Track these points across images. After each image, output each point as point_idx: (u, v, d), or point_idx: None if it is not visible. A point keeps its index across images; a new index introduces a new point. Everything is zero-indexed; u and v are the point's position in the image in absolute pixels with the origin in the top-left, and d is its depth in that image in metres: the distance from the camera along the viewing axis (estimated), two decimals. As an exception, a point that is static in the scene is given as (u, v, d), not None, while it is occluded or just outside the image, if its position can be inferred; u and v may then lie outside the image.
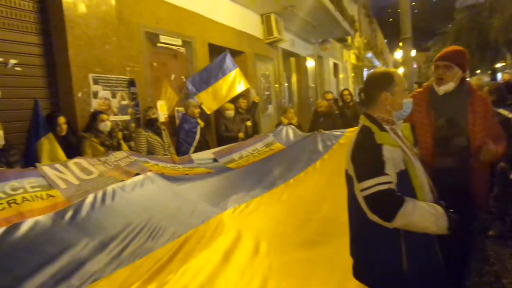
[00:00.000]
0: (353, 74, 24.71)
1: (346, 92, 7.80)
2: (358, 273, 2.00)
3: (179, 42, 6.79)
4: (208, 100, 6.35)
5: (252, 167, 4.75)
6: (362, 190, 1.79)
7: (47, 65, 4.57)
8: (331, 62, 18.02)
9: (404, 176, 1.84)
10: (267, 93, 10.53)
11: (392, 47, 43.03)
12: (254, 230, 3.11)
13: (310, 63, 14.73)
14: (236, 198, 3.82)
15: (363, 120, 1.99)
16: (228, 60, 6.73)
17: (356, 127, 5.06)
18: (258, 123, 8.67)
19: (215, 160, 4.98)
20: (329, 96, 7.99)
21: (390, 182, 1.76)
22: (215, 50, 7.84)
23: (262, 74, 10.21)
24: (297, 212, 3.61)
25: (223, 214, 3.36)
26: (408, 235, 1.81)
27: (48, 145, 3.78)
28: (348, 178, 1.93)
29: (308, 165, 4.72)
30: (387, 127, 1.92)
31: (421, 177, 1.91)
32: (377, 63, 29.66)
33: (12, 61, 4.16)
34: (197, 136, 5.57)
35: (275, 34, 10.06)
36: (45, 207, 2.90)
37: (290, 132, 5.84)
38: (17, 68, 4.21)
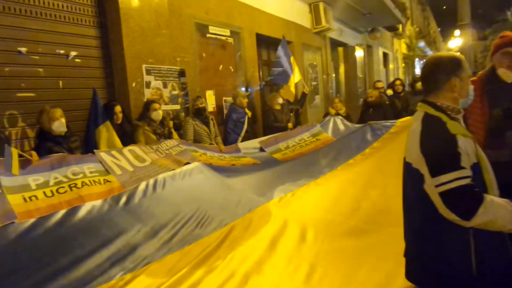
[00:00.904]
0: (403, 65, 23.78)
1: (398, 82, 7.56)
2: (414, 274, 1.86)
3: (227, 32, 6.84)
4: (292, 88, 6.42)
5: (299, 159, 4.76)
6: (438, 185, 1.64)
7: (104, 56, 4.78)
8: (380, 51, 17.44)
9: (476, 170, 1.69)
10: (314, 83, 10.39)
11: (446, 36, 40.75)
12: (301, 218, 3.12)
13: (359, 53, 14.34)
14: (282, 188, 3.85)
15: (424, 108, 1.81)
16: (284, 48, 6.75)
17: (407, 117, 4.92)
18: (304, 114, 8.61)
19: (261, 149, 5.02)
20: (379, 84, 7.78)
21: (469, 177, 1.62)
22: (262, 40, 7.84)
23: (309, 64, 10.08)
24: (344, 200, 3.58)
25: (269, 203, 3.41)
26: (479, 234, 1.66)
27: (105, 132, 3.97)
28: (411, 171, 1.77)
29: (357, 153, 4.66)
30: (454, 116, 1.76)
31: (491, 172, 1.76)
32: (429, 52, 28.31)
33: (73, 53, 4.39)
34: (245, 126, 5.62)
35: (323, 23, 9.87)
36: (102, 192, 3.06)
37: (338, 123, 5.75)
38: (76, 60, 4.45)
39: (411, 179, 1.80)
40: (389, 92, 7.92)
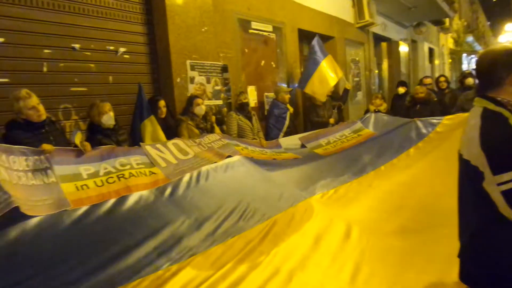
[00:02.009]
0: (450, 60, 22.77)
1: (442, 79, 7.31)
2: (469, 277, 1.78)
3: (269, 28, 6.84)
4: (315, 88, 6.36)
5: (340, 154, 4.71)
6: (500, 183, 1.55)
7: (151, 52, 4.92)
8: (426, 47, 16.80)
9: None
10: (356, 79, 10.19)
11: (496, 30, 38.52)
12: (344, 216, 3.07)
13: (403, 48, 13.89)
14: (324, 183, 3.81)
15: (483, 103, 1.73)
16: (318, 47, 6.62)
17: (455, 115, 4.73)
18: (346, 110, 8.47)
19: (302, 145, 5.01)
20: (428, 80, 7.54)
21: None
22: (304, 36, 7.77)
23: (351, 59, 9.89)
24: (390, 198, 3.50)
25: (311, 198, 3.38)
26: None
27: (150, 126, 4.09)
28: (469, 169, 1.69)
29: (400, 152, 4.57)
30: None
31: None
32: (478, 48, 26.93)
33: (121, 49, 4.55)
34: (287, 122, 5.61)
35: (367, 17, 9.64)
36: (148, 183, 3.15)
37: (378, 119, 5.64)
38: (125, 56, 4.61)
39: (469, 177, 1.71)
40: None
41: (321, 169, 4.19)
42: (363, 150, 4.82)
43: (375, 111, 6.01)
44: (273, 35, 6.99)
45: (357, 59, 10.24)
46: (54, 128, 3.29)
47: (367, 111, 6.39)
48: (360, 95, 10.37)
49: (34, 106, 3.08)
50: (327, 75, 6.37)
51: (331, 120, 6.25)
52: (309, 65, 6.53)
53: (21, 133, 3.03)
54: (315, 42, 6.61)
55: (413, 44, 15.01)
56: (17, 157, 2.71)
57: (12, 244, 2.25)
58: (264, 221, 2.98)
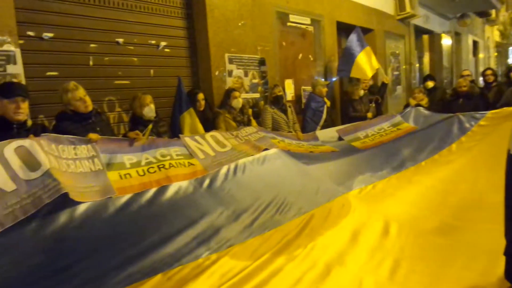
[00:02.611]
0: (496, 54, 21.68)
1: (489, 72, 7.00)
2: None
3: (307, 21, 6.78)
4: (359, 71, 6.26)
5: (379, 148, 4.63)
6: None
7: (190, 46, 5.01)
8: (470, 39, 16.08)
9: None
10: (396, 73, 9.93)
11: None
12: (383, 212, 3.03)
13: (446, 41, 13.36)
14: (362, 178, 3.77)
15: None
16: (358, 37, 6.48)
17: (500, 109, 4.53)
18: (385, 104, 8.28)
19: (340, 138, 4.96)
20: (466, 72, 7.27)
21: None
22: (343, 28, 7.65)
23: (391, 53, 9.64)
24: (431, 194, 3.41)
25: (349, 194, 3.36)
26: None
27: (189, 119, 4.18)
28: None
29: (442, 148, 4.45)
30: None
31: None
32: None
33: (162, 43, 4.66)
34: (324, 115, 5.56)
35: (408, 9, 9.35)
36: (187, 174, 3.22)
37: (419, 114, 5.49)
38: (166, 50, 4.72)
39: None
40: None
41: (359, 163, 4.14)
42: (403, 145, 4.71)
43: (415, 106, 5.84)
44: (311, 28, 6.93)
45: (397, 52, 9.96)
46: (100, 119, 3.43)
47: (407, 105, 6.22)
48: (399, 89, 10.11)
49: (81, 97, 3.22)
50: (365, 66, 6.24)
51: (369, 115, 6.14)
52: (348, 54, 6.39)
53: (70, 123, 3.18)
54: (355, 32, 6.48)
55: (457, 36, 14.41)
56: (66, 146, 2.84)
57: (61, 229, 2.36)
58: (300, 215, 2.99)
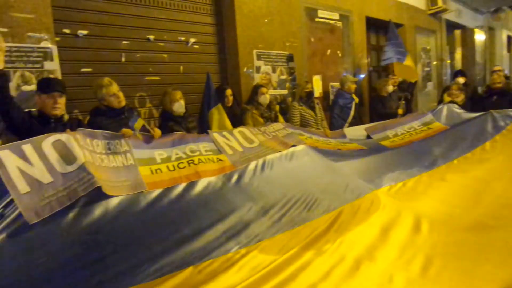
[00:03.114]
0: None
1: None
2: None
3: (336, 16, 6.71)
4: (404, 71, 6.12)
5: (409, 146, 4.54)
6: None
7: (219, 42, 5.06)
8: (504, 34, 15.49)
9: None
10: (426, 69, 9.70)
11: None
12: (414, 209, 2.97)
13: (479, 36, 12.92)
14: (392, 176, 3.70)
15: None
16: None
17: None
18: (415, 101, 8.11)
19: (368, 136, 4.89)
20: (498, 67, 7.03)
21: None
22: (372, 24, 7.52)
23: (422, 48, 9.43)
24: (464, 193, 3.32)
25: (378, 191, 3.31)
26: None
27: (217, 114, 4.23)
28: None
29: (475, 146, 4.32)
30: None
31: None
32: None
33: (192, 40, 4.72)
34: (352, 112, 5.51)
35: (440, 3, 9.11)
36: (215, 169, 3.24)
37: (451, 111, 5.33)
38: (195, 46, 4.77)
39: None
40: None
41: (388, 161, 4.07)
42: (434, 143, 4.59)
43: (449, 102, 5.68)
44: (339, 24, 6.86)
45: (428, 48, 9.73)
46: (132, 114, 3.50)
47: (440, 101, 6.07)
48: (430, 86, 9.86)
49: (115, 93, 3.31)
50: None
51: (399, 111, 6.02)
52: (395, 43, 6.22)
53: (104, 119, 3.27)
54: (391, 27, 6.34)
55: (490, 31, 13.92)
56: (100, 140, 2.92)
57: (95, 222, 2.42)
58: (329, 212, 2.97)
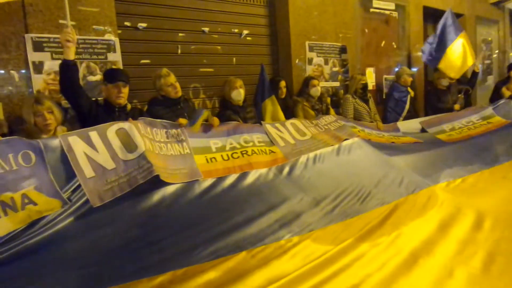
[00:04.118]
0: None
1: None
2: None
3: (391, 6, 6.49)
4: (449, 65, 5.74)
5: (468, 141, 4.33)
6: None
7: (271, 34, 5.06)
8: None
9: None
10: (487, 61, 9.15)
11: None
12: (474, 206, 2.85)
13: (548, 25, 11.97)
14: (450, 172, 3.56)
15: None
16: (452, 19, 5.97)
17: None
18: (474, 95, 7.69)
19: (423, 130, 4.73)
20: None
21: None
22: (429, 14, 7.20)
23: (483, 39, 8.89)
24: None
25: (435, 186, 3.21)
26: None
27: (271, 106, 4.24)
28: None
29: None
30: None
31: None
32: None
33: (245, 32, 4.76)
34: (407, 106, 5.32)
35: (505, -9, 8.54)
36: (268, 161, 3.28)
37: (512, 107, 5.03)
38: (248, 38, 4.81)
39: None
40: None
41: (445, 156, 3.91)
42: (495, 139, 4.35)
43: (510, 97, 5.35)
44: (395, 14, 6.63)
45: (489, 39, 9.16)
46: (187, 105, 3.61)
47: (495, 95, 5.72)
48: (490, 79, 9.30)
49: (172, 83, 3.43)
50: (466, 52, 5.68)
51: (456, 106, 5.73)
52: (442, 38, 5.84)
53: (161, 108, 3.39)
54: (448, 14, 5.98)
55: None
56: (159, 129, 3.05)
57: (154, 207, 2.54)
58: (383, 205, 2.92)
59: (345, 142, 3.72)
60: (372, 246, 2.37)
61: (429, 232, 2.53)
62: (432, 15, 7.21)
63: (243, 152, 3.28)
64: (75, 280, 1.99)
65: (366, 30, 6.09)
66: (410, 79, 5.46)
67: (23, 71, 3.20)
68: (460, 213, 2.75)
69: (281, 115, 4.22)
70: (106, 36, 3.55)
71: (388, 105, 5.44)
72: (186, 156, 3.02)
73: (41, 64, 3.24)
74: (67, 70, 2.79)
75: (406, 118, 5.18)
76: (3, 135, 2.46)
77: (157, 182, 2.60)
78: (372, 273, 2.11)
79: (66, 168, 2.48)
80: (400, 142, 4.27)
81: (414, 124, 4.82)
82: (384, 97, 5.99)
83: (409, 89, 5.41)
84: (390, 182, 3.26)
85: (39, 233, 2.19)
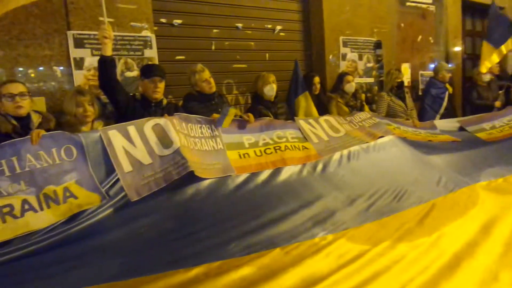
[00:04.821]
0: None
1: None
2: None
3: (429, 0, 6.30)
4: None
5: (509, 140, 4.15)
6: None
7: (304, 30, 5.02)
8: None
9: None
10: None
11: None
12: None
13: None
14: (491, 171, 3.43)
15: None
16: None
17: None
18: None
19: (461, 128, 4.57)
20: None
21: None
22: (468, 7, 6.94)
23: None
24: None
25: (475, 185, 3.10)
26: None
27: (304, 102, 4.22)
28: None
29: None
30: None
31: None
32: None
33: (278, 27, 4.74)
34: (444, 103, 5.15)
35: (551, -19, 8.08)
36: (301, 157, 3.26)
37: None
38: (281, 34, 4.79)
39: None
40: None
41: (486, 155, 3.77)
42: (541, 138, 4.17)
43: None
44: (432, 8, 6.43)
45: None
46: (221, 101, 3.64)
47: None
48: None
49: (206, 79, 3.46)
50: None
51: (497, 103, 5.49)
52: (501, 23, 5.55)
53: (196, 104, 3.43)
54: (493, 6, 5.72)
55: None
56: (194, 125, 3.08)
57: (188, 201, 2.58)
58: (420, 204, 2.85)
59: (380, 140, 3.65)
60: (412, 247, 2.30)
61: (471, 233, 2.44)
62: (470, 8, 6.94)
63: (276, 147, 3.27)
64: (116, 268, 2.04)
65: (402, 25, 5.94)
66: (449, 75, 5.28)
67: (65, 67, 3.31)
68: (503, 213, 2.64)
69: (314, 111, 4.18)
70: (143, 33, 3.62)
71: (424, 102, 5.29)
72: (219, 152, 3.04)
73: (81, 60, 3.34)
74: (105, 66, 2.86)
75: (443, 116, 5.02)
76: (48, 130, 2.55)
77: (191, 176, 2.64)
78: (414, 276, 2.05)
79: (105, 163, 2.56)
80: (437, 140, 4.15)
81: (451, 122, 4.67)
82: (420, 93, 5.83)
83: (447, 85, 5.23)
84: (428, 181, 3.18)
85: (80, 223, 2.28)
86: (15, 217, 2.18)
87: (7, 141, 2.36)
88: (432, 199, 2.89)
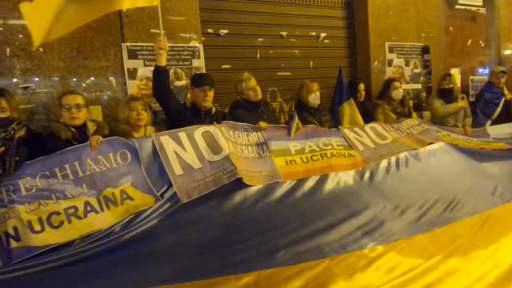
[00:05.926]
0: None
1: None
2: None
3: (479, 2, 6.06)
4: None
5: None
6: None
7: (349, 36, 4.98)
8: None
9: None
10: None
11: None
12: None
13: None
14: (551, 180, 3.24)
15: None
16: None
17: None
18: None
19: (516, 135, 4.34)
20: None
21: None
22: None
23: None
24: None
25: None
26: None
27: (349, 109, 4.17)
28: None
29: None
30: None
31: None
32: None
33: (322, 35, 4.73)
34: (498, 109, 4.89)
35: None
36: (348, 164, 3.23)
37: None
38: (325, 41, 4.78)
39: None
40: None
41: (545, 164, 3.57)
42: None
43: None
44: (483, 10, 6.18)
45: None
46: (267, 108, 3.68)
47: None
48: None
49: (253, 87, 3.52)
50: None
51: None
52: None
53: (242, 112, 3.49)
54: None
55: None
56: (241, 132, 3.14)
57: (236, 208, 2.63)
58: (474, 215, 2.73)
59: (429, 147, 3.55)
60: (467, 260, 2.21)
61: (531, 245, 2.32)
62: (526, 10, 6.60)
63: (323, 154, 3.27)
64: (169, 271, 2.10)
65: (451, 28, 5.75)
66: (505, 78, 5.01)
67: (119, 77, 3.47)
68: None
69: (359, 118, 4.13)
70: (191, 43, 3.73)
71: (476, 106, 5.05)
72: (265, 159, 3.07)
73: (135, 70, 3.50)
74: (159, 75, 2.99)
75: (495, 122, 4.77)
76: (103, 137, 2.69)
77: (238, 184, 2.69)
78: (469, 286, 1.98)
79: (157, 167, 2.66)
80: (490, 148, 3.97)
81: (506, 129, 4.44)
82: (471, 99, 5.59)
83: (505, 90, 4.96)
84: (482, 190, 3.05)
85: (136, 227, 2.38)
86: (79, 218, 2.33)
87: (70, 147, 2.52)
88: (488, 209, 2.77)
